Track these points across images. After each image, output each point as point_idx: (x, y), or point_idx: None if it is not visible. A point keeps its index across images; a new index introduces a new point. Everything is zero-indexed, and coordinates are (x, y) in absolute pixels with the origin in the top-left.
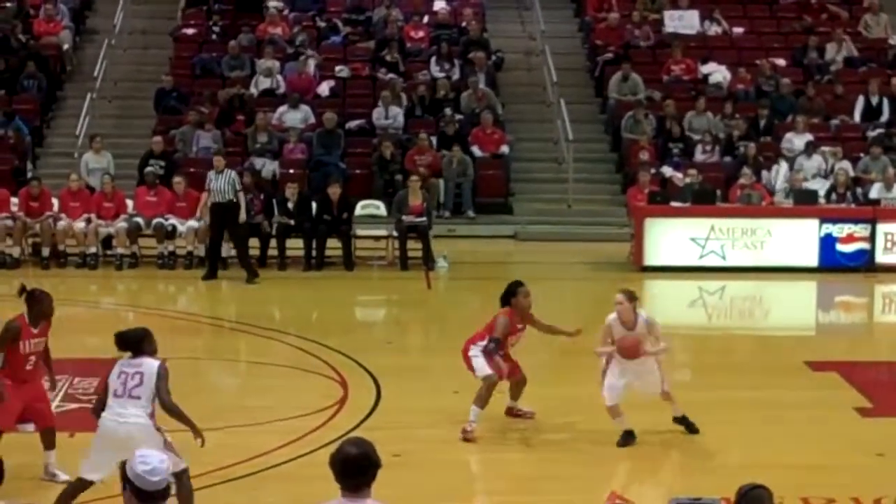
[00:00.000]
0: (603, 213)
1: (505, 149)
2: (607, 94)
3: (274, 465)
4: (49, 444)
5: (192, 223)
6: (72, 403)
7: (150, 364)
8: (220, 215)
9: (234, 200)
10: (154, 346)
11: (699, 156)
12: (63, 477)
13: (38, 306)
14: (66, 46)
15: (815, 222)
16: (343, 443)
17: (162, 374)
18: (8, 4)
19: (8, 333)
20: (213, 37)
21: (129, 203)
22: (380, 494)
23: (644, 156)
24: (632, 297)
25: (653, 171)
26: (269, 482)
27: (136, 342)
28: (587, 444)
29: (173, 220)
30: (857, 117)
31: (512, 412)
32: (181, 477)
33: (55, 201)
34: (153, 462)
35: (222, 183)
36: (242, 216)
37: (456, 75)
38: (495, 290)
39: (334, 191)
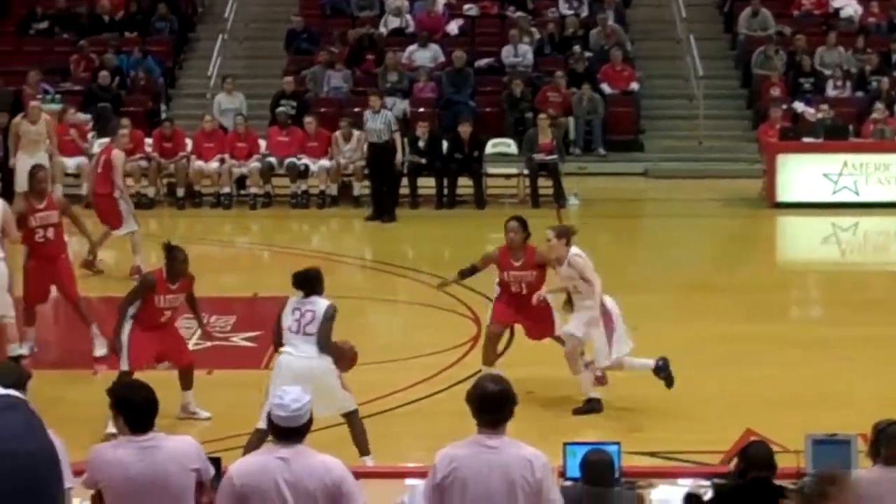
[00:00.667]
0: (734, 149)
1: (635, 86)
2: (737, 30)
3: (410, 401)
4: (186, 384)
5: (325, 162)
6: (208, 342)
7: (320, 303)
8: (375, 155)
9: (390, 140)
10: (323, 287)
11: (831, 91)
12: (204, 414)
13: (173, 263)
14: None
15: None
16: (481, 379)
17: (329, 315)
18: None
19: (142, 286)
20: None
21: (262, 143)
22: (512, 431)
23: (775, 92)
24: (561, 234)
25: (784, 106)
26: (405, 418)
27: (311, 281)
28: (717, 382)
29: (306, 160)
30: None
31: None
32: (352, 416)
33: (189, 142)
34: (287, 398)
35: (378, 122)
36: (399, 157)
37: (585, 12)
38: (626, 228)
39: (465, 129)
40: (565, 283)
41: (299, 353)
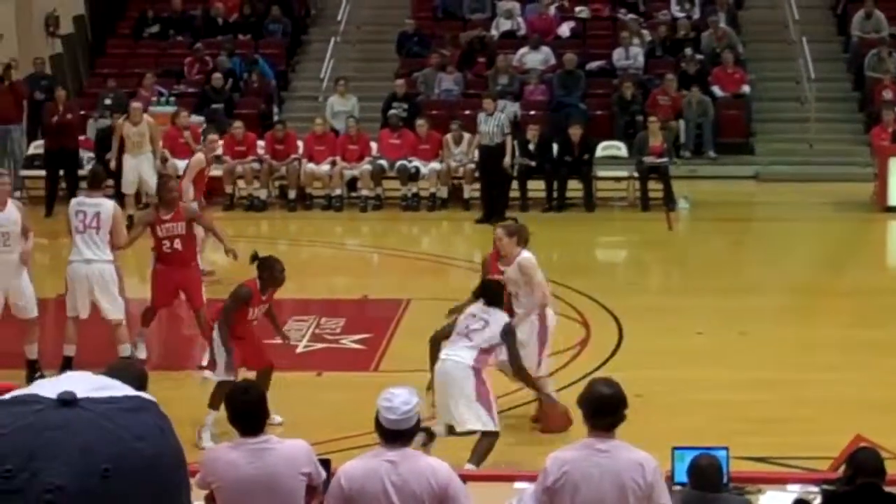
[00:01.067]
0: (846, 152)
1: (746, 88)
2: (850, 32)
3: (520, 403)
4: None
5: (435, 165)
6: (319, 343)
7: (499, 316)
8: (487, 158)
9: (502, 143)
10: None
11: None
12: (278, 420)
13: (269, 273)
14: None
15: None
16: (594, 382)
17: (509, 332)
18: None
19: (239, 298)
20: None
21: (373, 146)
22: (622, 434)
23: (888, 94)
24: (512, 232)
25: None
26: (514, 421)
27: (496, 295)
28: (826, 386)
29: (416, 162)
30: None
31: None
32: (487, 435)
33: (300, 144)
34: (396, 401)
35: (491, 125)
36: (507, 159)
37: (696, 15)
38: (736, 231)
39: (575, 132)
40: (509, 286)
41: (445, 356)
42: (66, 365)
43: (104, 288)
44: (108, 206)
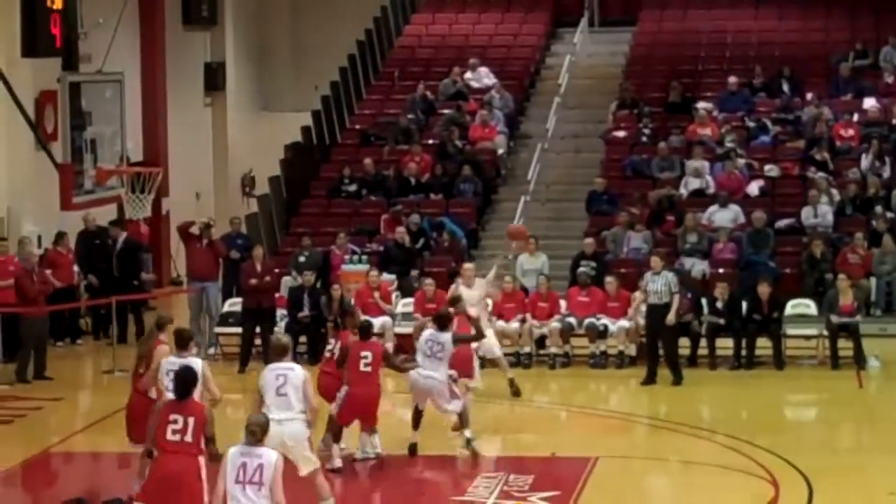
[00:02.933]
0: None
1: None
2: None
3: None
4: None
5: (624, 323)
6: (507, 500)
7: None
8: (655, 317)
9: (669, 302)
10: None
11: None
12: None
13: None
14: (500, 151)
15: None
16: None
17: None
18: (445, 111)
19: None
20: (644, 139)
21: (563, 303)
22: None
23: None
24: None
25: None
26: None
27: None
28: None
29: (605, 320)
30: None
31: None
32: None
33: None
34: None
35: (659, 284)
36: (671, 318)
37: (887, 173)
38: None
39: (764, 290)
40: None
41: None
42: None
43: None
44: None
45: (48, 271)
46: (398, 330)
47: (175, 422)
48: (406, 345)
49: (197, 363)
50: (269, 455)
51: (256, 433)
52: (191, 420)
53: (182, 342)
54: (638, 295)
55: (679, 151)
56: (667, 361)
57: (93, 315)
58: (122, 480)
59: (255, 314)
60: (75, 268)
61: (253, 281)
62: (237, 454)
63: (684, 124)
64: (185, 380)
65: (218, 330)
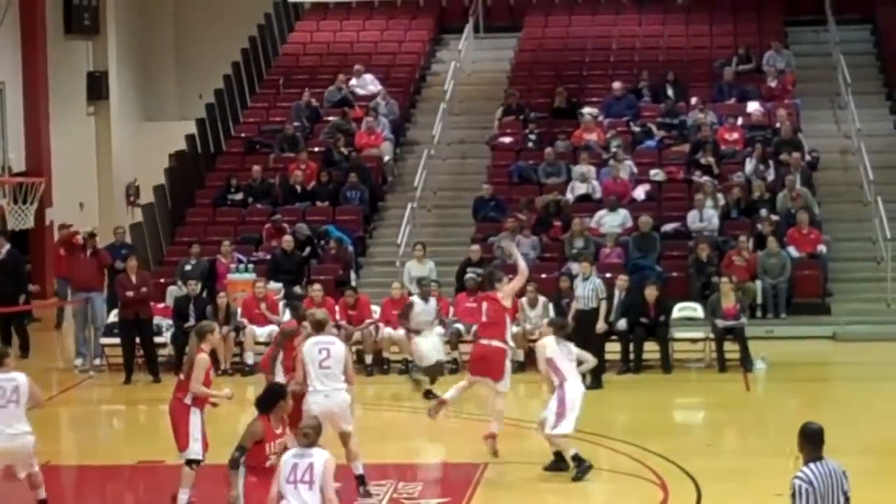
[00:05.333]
0: None
1: (822, 248)
2: None
3: None
4: None
5: (513, 328)
6: None
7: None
8: (583, 323)
9: (597, 307)
10: None
11: None
12: None
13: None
14: (387, 158)
15: None
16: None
17: None
18: (331, 119)
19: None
20: (530, 144)
21: (451, 309)
22: None
23: None
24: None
25: None
26: None
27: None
28: None
29: None
30: None
31: None
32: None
33: (376, 308)
34: None
35: (587, 289)
36: (601, 324)
37: (771, 176)
38: (814, 392)
39: (651, 293)
40: None
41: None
42: None
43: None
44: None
45: None
46: None
47: None
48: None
49: (21, 378)
50: (320, 455)
51: (310, 435)
52: None
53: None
54: (524, 301)
55: (565, 157)
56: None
57: None
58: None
59: (134, 325)
60: None
61: (129, 293)
62: (291, 457)
63: (570, 129)
64: None
65: (103, 341)
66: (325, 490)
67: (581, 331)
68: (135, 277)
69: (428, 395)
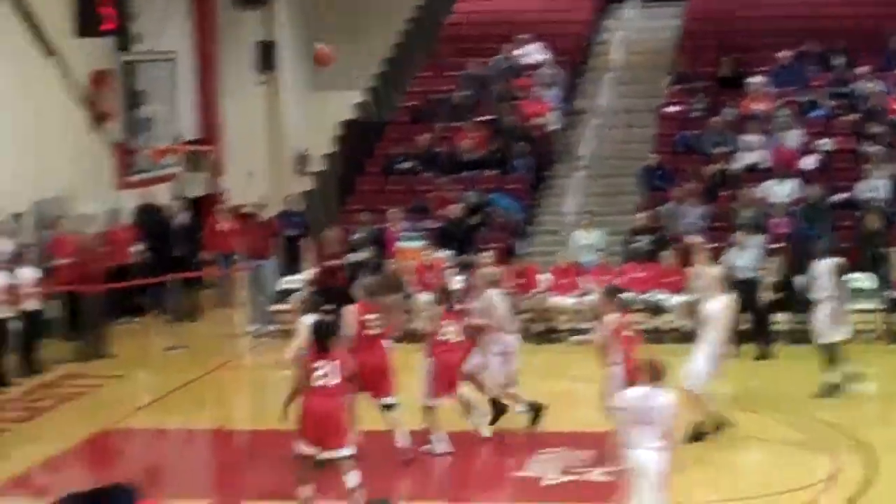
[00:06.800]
0: None
1: None
2: None
3: None
4: None
5: (680, 298)
6: (567, 476)
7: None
8: (742, 291)
9: (755, 277)
10: None
11: None
12: None
13: None
14: (553, 127)
15: None
16: None
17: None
18: (498, 88)
19: None
20: (697, 114)
21: (619, 278)
22: None
23: None
24: None
25: None
26: None
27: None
28: None
29: (661, 295)
30: None
31: None
32: None
33: (543, 278)
34: None
35: (746, 259)
36: (765, 293)
37: None
38: None
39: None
40: None
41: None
42: None
43: None
44: None
45: (106, 249)
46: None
47: None
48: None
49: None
50: (665, 396)
51: (656, 374)
52: None
53: None
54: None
55: (732, 126)
56: (757, 336)
57: (152, 292)
58: (183, 456)
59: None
60: (138, 246)
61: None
62: (636, 395)
63: (737, 98)
64: None
65: (274, 308)
66: (668, 431)
67: (741, 301)
68: (328, 248)
69: None
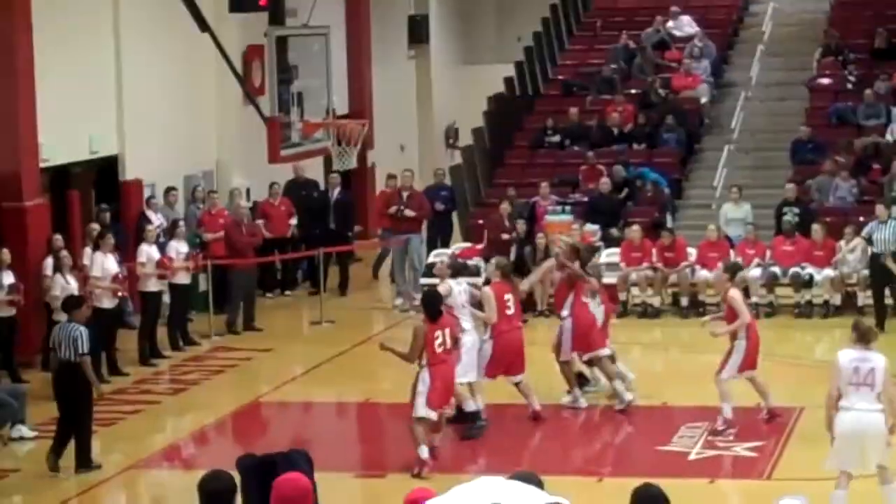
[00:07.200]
0: None
1: None
2: None
3: None
4: None
5: (829, 272)
6: (711, 450)
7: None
8: (880, 266)
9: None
10: None
11: None
12: None
13: None
14: (704, 100)
15: None
16: None
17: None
18: (649, 61)
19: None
20: (849, 86)
21: (767, 252)
22: None
23: None
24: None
25: None
26: None
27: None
28: None
29: (810, 269)
30: None
31: None
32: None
33: (692, 251)
34: None
35: (887, 233)
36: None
37: None
38: None
39: None
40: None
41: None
42: None
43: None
44: None
45: (261, 222)
46: (604, 280)
47: None
48: (611, 293)
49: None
50: (879, 359)
51: (868, 336)
52: None
53: None
54: (842, 244)
55: (885, 98)
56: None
57: (303, 266)
58: (333, 428)
59: None
60: (293, 220)
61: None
62: (849, 357)
63: (891, 71)
64: None
65: (424, 281)
66: (886, 392)
67: (879, 275)
68: (507, 221)
69: None
